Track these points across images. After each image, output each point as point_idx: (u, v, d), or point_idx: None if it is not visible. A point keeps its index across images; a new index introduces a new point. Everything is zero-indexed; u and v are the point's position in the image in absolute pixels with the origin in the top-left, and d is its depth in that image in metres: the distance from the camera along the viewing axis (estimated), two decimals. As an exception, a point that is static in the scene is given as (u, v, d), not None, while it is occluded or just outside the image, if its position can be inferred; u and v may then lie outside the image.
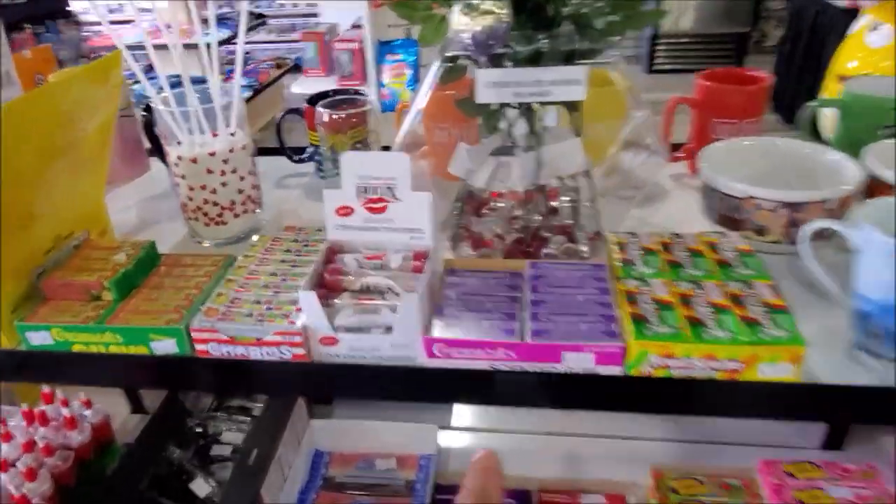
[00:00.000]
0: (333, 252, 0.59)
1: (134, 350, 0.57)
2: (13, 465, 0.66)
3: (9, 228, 0.57)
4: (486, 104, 0.63)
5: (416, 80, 2.47)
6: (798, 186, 0.64)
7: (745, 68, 0.87)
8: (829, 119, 0.84)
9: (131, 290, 0.60)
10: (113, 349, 0.57)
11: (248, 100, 3.33)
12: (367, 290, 0.55)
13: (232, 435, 0.79)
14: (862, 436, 0.88)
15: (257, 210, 0.77)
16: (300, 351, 0.54)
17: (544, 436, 0.95)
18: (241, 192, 0.74)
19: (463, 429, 0.97)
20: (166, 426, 0.78)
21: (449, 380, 0.53)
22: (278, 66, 3.82)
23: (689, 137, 0.87)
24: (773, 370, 0.49)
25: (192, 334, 0.55)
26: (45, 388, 0.77)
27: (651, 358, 0.50)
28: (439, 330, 0.53)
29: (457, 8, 0.52)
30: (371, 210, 0.58)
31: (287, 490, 0.75)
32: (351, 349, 0.54)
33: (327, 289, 0.56)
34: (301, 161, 0.93)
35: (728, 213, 0.67)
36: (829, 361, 0.52)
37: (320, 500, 0.78)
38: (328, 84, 2.71)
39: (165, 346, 0.56)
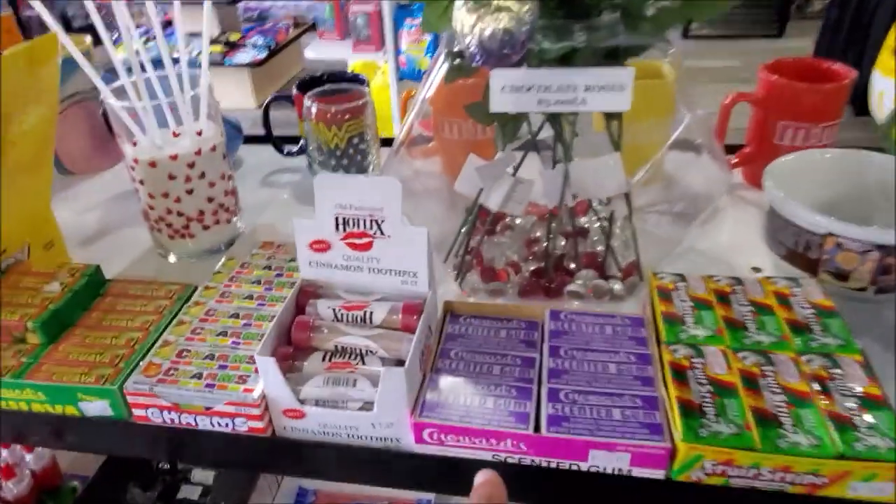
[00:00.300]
0: (306, 296, 0.47)
1: (61, 410, 0.47)
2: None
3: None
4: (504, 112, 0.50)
5: (435, 47, 2.31)
6: (890, 220, 0.51)
7: (821, 59, 0.72)
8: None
9: (64, 331, 0.50)
10: (36, 407, 0.47)
11: (264, 61, 3.20)
12: (342, 352, 0.44)
13: (203, 474, 0.70)
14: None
15: (233, 219, 0.66)
16: (258, 424, 0.43)
17: None
18: (210, 200, 0.63)
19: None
20: (128, 462, 0.69)
21: (443, 471, 0.42)
22: (297, 25, 3.66)
23: (748, 139, 0.73)
24: (868, 489, 0.37)
25: (128, 398, 0.44)
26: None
27: (705, 464, 0.38)
28: (431, 411, 0.41)
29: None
30: (352, 247, 0.46)
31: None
32: (321, 425, 0.43)
33: (295, 347, 0.44)
34: (291, 154, 0.81)
35: (800, 249, 0.54)
36: None
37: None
38: (343, 49, 2.56)
39: (97, 408, 0.46)
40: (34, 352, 0.48)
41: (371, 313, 0.45)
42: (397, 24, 2.35)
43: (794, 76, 0.68)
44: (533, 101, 0.47)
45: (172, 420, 0.45)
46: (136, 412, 0.45)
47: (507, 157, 0.52)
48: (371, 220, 0.45)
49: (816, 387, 0.41)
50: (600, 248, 0.59)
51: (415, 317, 0.44)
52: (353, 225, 0.45)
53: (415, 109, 0.56)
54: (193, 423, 0.44)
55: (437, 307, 0.49)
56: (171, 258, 0.65)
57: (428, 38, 2.36)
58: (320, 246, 0.46)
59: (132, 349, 0.47)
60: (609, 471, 0.40)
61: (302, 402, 0.42)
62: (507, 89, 0.47)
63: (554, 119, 0.52)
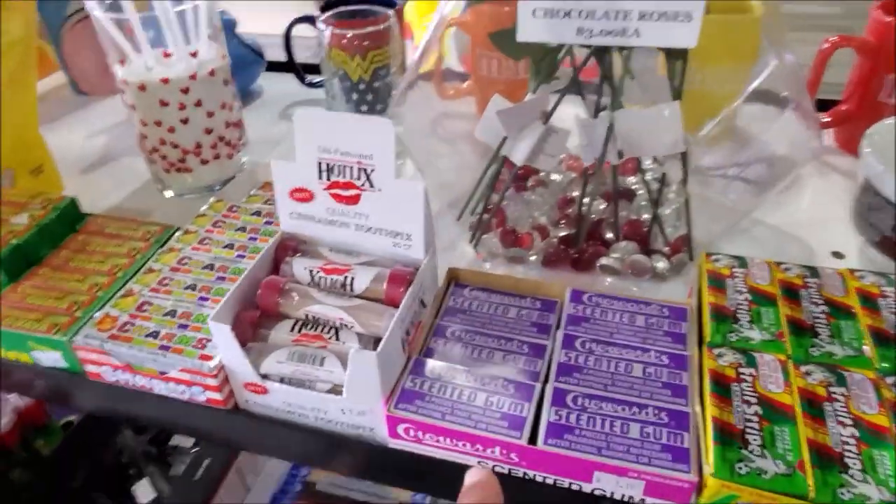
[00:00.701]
0: (285, 251, 0.40)
1: (14, 356, 0.42)
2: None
3: None
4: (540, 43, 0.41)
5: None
6: None
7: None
8: None
9: (28, 268, 0.45)
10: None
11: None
12: (314, 324, 0.37)
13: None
14: None
15: (237, 154, 0.60)
16: (216, 396, 0.38)
17: None
18: (209, 131, 0.56)
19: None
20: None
21: (421, 470, 0.36)
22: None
23: (846, 95, 0.61)
24: (956, 564, 0.29)
25: (78, 353, 0.40)
26: None
27: (740, 505, 0.30)
28: (409, 404, 0.35)
29: None
30: (338, 199, 0.38)
31: (256, 493, 0.62)
32: (286, 404, 0.37)
33: (262, 311, 0.38)
34: (314, 85, 0.73)
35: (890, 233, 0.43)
36: None
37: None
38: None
39: (51, 359, 0.41)
40: (-7, 288, 0.43)
41: (352, 280, 0.38)
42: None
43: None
44: (571, 31, 0.37)
45: (126, 381, 0.40)
46: (89, 368, 0.40)
47: (537, 99, 0.43)
48: (359, 169, 0.37)
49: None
50: (646, 216, 0.50)
51: (402, 288, 0.37)
52: (339, 173, 0.38)
53: (431, 30, 0.47)
54: (149, 387, 0.39)
55: (435, 277, 0.41)
56: (168, 193, 0.59)
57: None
58: (302, 195, 0.39)
59: (93, 297, 0.42)
60: (618, 497, 0.33)
61: (264, 376, 0.36)
62: (538, 14, 0.37)
63: (600, 55, 0.42)
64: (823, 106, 0.61)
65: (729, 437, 0.31)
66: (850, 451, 0.30)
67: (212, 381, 0.37)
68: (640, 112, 0.43)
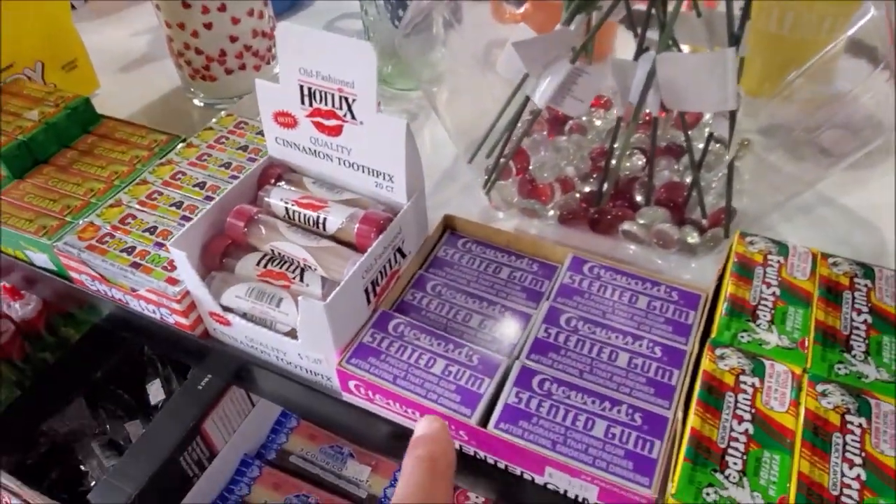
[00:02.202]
0: (270, 177, 0.38)
1: (12, 252, 0.43)
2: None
3: None
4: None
5: None
6: None
7: None
8: None
9: (35, 165, 0.45)
10: (-5, 245, 0.43)
11: None
12: (280, 260, 0.35)
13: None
14: None
15: (267, 66, 0.57)
16: (183, 321, 0.37)
17: None
18: (234, 39, 0.53)
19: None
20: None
21: (374, 428, 0.34)
22: None
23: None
24: None
25: (61, 258, 0.39)
26: None
27: (704, 536, 0.26)
28: (362, 360, 0.32)
29: None
30: (319, 128, 0.35)
31: (258, 414, 0.63)
32: (249, 339, 0.36)
33: (232, 240, 0.36)
34: (364, -2, 0.68)
35: None
36: None
37: (297, 432, 0.66)
38: None
39: (41, 260, 0.41)
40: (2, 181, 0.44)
41: (325, 219, 0.35)
42: None
43: None
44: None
45: (104, 293, 0.39)
46: (73, 274, 0.40)
47: (563, 31, 0.37)
48: (341, 98, 0.33)
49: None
50: (689, 180, 0.44)
51: (373, 233, 0.33)
52: (321, 100, 0.34)
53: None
54: (124, 301, 0.39)
55: (423, 226, 0.38)
56: (196, 101, 0.58)
57: None
58: (286, 120, 0.36)
59: (86, 202, 0.42)
60: (570, 496, 0.29)
61: (227, 310, 0.35)
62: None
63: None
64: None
65: (705, 456, 0.27)
66: (849, 496, 0.25)
67: (177, 306, 0.36)
68: (688, 56, 0.36)
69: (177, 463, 0.54)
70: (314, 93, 0.34)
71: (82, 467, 0.61)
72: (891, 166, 0.48)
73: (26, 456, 0.62)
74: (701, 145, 0.45)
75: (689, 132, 0.47)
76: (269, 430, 0.65)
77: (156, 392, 0.62)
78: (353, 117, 0.33)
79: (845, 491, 0.26)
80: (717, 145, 0.46)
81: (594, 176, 0.46)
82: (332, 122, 0.34)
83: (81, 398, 0.64)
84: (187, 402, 0.56)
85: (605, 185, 0.42)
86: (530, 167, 0.46)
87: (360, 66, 0.32)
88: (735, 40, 0.35)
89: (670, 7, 0.36)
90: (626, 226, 0.42)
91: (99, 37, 0.66)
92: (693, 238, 0.41)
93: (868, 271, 0.34)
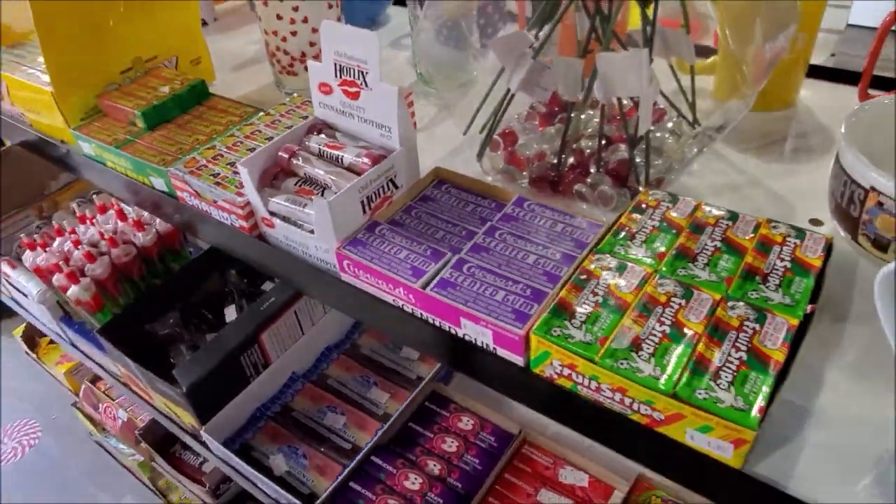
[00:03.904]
0: (313, 130, 0.54)
1: (140, 179, 0.61)
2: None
3: (77, 48, 0.63)
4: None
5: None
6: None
7: None
8: None
9: (162, 123, 0.64)
10: (130, 174, 0.62)
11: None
12: (310, 181, 0.50)
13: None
14: None
15: (336, 67, 0.74)
16: (244, 223, 0.53)
17: None
18: (312, 44, 0.71)
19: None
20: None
21: (357, 300, 0.48)
22: None
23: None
24: (706, 443, 0.34)
25: (171, 180, 0.57)
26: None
27: (554, 362, 0.38)
28: (353, 248, 0.47)
29: None
30: (346, 94, 0.51)
31: (307, 342, 0.78)
32: (286, 238, 0.51)
33: (280, 167, 0.52)
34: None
35: (844, 204, 0.45)
36: (850, 472, 0.34)
37: (337, 363, 0.81)
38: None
39: (158, 183, 0.59)
40: (137, 133, 0.63)
41: (342, 156, 0.50)
42: None
43: None
44: (537, -25, 0.45)
45: (196, 206, 0.56)
46: (178, 192, 0.58)
47: (519, 34, 0.51)
48: (359, 71, 0.49)
49: (713, 333, 0.37)
50: (639, 160, 0.55)
51: (371, 163, 0.48)
52: (347, 73, 0.49)
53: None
54: (208, 212, 0.56)
55: (413, 167, 0.52)
56: (282, 91, 0.76)
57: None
58: (325, 89, 0.52)
59: (192, 146, 0.60)
60: (478, 343, 0.42)
61: (272, 214, 0.50)
62: (514, -41, 0.45)
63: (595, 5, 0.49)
64: (885, 85, 0.60)
65: (561, 312, 0.39)
66: (651, 341, 0.37)
67: (240, 212, 0.52)
68: (616, 55, 0.49)
69: (237, 360, 0.70)
70: (343, 68, 0.49)
71: (171, 360, 0.80)
72: (822, 165, 0.57)
73: (135, 350, 0.81)
74: (659, 134, 0.57)
75: (654, 126, 0.59)
76: (316, 357, 0.81)
77: (231, 314, 0.79)
78: (366, 85, 0.49)
79: (650, 338, 0.37)
80: (670, 138, 0.58)
81: (572, 150, 0.58)
82: (354, 90, 0.50)
83: (177, 313, 0.82)
84: (250, 318, 0.73)
85: (563, 156, 0.55)
86: (516, 146, 0.59)
87: (370, 49, 0.47)
88: (648, 42, 0.48)
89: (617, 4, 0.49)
90: (577, 186, 0.54)
91: (221, 45, 0.86)
92: (625, 197, 0.52)
93: (734, 215, 0.45)
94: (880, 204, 0.41)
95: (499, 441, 0.70)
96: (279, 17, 0.69)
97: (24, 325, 1.30)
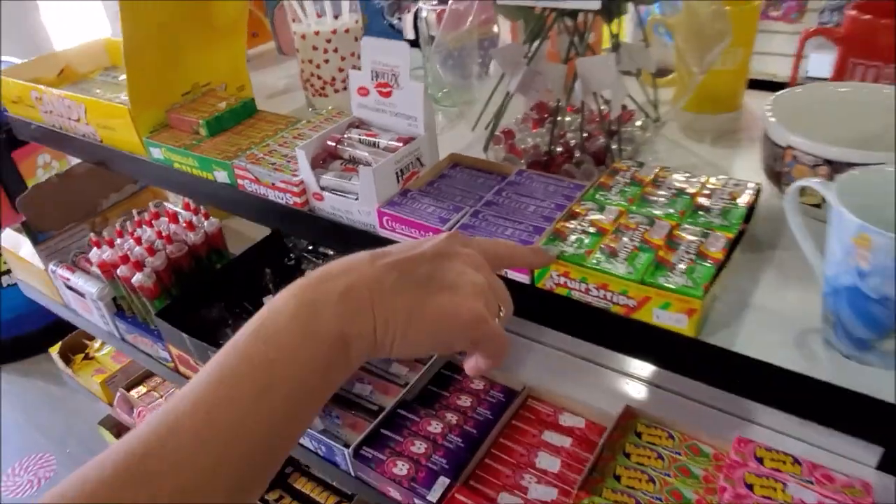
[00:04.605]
0: (351, 126, 0.67)
1: (204, 174, 0.74)
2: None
3: (150, 75, 0.77)
4: (531, 8, 0.63)
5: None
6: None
7: (922, -1, 0.68)
8: None
9: (221, 131, 0.77)
10: (195, 172, 0.75)
11: None
12: (353, 161, 0.63)
13: (313, 274, 0.96)
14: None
15: (359, 90, 0.88)
16: (298, 200, 0.65)
17: (540, 345, 0.96)
18: (341, 70, 0.85)
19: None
20: (267, 252, 0.99)
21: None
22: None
23: (832, 78, 0.73)
24: (669, 318, 0.46)
25: (235, 170, 0.70)
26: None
27: (552, 274, 0.50)
28: (391, 206, 0.59)
29: None
30: (381, 93, 0.64)
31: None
32: (332, 208, 0.63)
33: (329, 154, 0.65)
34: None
35: (772, 163, 0.58)
36: (778, 340, 0.46)
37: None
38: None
39: (220, 176, 0.72)
40: (200, 139, 0.76)
41: (378, 141, 0.63)
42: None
43: (884, 15, 0.66)
44: (528, -2, 0.59)
45: (255, 190, 0.69)
46: (239, 181, 0.70)
47: (514, 45, 0.65)
48: (392, 74, 0.62)
49: (670, 244, 0.49)
50: (615, 146, 0.69)
51: (402, 144, 0.61)
52: (382, 77, 0.63)
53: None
54: (265, 194, 0.68)
55: (434, 148, 0.65)
56: (311, 110, 0.90)
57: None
58: (363, 91, 0.65)
59: (248, 147, 0.72)
60: (493, 271, 0.54)
61: (323, 188, 0.63)
62: (510, -14, 0.59)
63: (563, 17, 0.63)
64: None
65: (556, 237, 0.51)
66: (624, 250, 0.49)
67: (295, 189, 0.64)
68: (590, 59, 0.63)
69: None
70: (378, 73, 0.63)
71: (220, 342, 0.90)
72: (758, 149, 0.71)
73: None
74: (630, 129, 0.71)
75: (625, 123, 0.73)
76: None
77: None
78: (398, 85, 0.62)
79: (623, 249, 0.49)
80: (637, 131, 0.71)
81: (561, 142, 0.72)
82: (387, 90, 0.63)
83: (222, 303, 0.94)
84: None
85: (552, 146, 0.68)
86: (514, 139, 0.73)
87: (402, 55, 0.61)
88: (614, 47, 0.62)
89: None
90: (566, 166, 0.67)
91: (254, 79, 1.01)
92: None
93: (689, 175, 0.57)
94: (795, 157, 0.55)
95: (506, 396, 0.80)
96: (314, 48, 0.83)
97: (60, 343, 1.40)
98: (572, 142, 0.70)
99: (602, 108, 0.67)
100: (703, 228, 0.50)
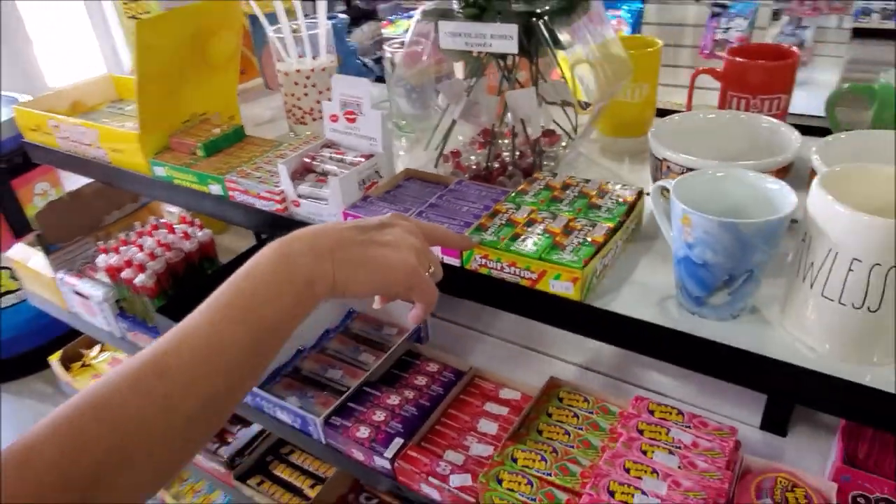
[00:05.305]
0: (324, 146, 0.82)
1: (200, 188, 0.88)
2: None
3: (156, 106, 0.91)
4: (469, 52, 0.79)
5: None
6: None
7: (781, 45, 0.84)
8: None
9: (216, 152, 0.91)
10: (194, 186, 0.89)
11: None
12: (324, 173, 0.78)
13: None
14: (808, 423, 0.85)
15: (334, 119, 1.03)
16: (280, 206, 0.79)
17: (486, 335, 1.10)
18: (318, 102, 1.00)
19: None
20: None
21: (357, 246, 0.74)
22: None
23: (718, 106, 0.89)
24: (560, 286, 0.61)
25: (227, 183, 0.84)
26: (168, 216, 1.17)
27: (476, 257, 0.65)
28: (353, 209, 0.73)
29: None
30: (348, 120, 0.79)
31: (311, 324, 1.02)
32: (308, 212, 0.78)
33: (305, 169, 0.80)
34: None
35: (655, 173, 0.73)
36: (646, 303, 0.60)
37: (334, 340, 1.05)
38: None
39: (215, 189, 0.86)
40: (197, 159, 0.90)
41: (345, 158, 0.78)
42: (600, 15, 2.53)
43: (753, 57, 0.83)
44: (463, 43, 0.75)
45: (244, 200, 0.83)
46: (231, 193, 0.84)
47: (456, 81, 0.80)
48: (356, 104, 0.77)
49: (565, 231, 0.64)
50: (545, 164, 0.84)
51: (364, 159, 0.76)
52: (348, 106, 0.78)
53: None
54: (252, 203, 0.82)
55: (391, 164, 0.80)
56: (293, 135, 1.05)
57: (626, 29, 2.50)
58: (334, 118, 0.81)
59: (239, 164, 0.87)
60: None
61: (300, 196, 0.77)
62: (448, 34, 0.75)
63: (495, 58, 0.79)
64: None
65: (480, 228, 0.66)
66: (532, 238, 0.63)
67: (277, 198, 0.79)
68: (518, 92, 0.78)
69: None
70: (346, 103, 0.78)
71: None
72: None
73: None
74: (556, 148, 0.86)
75: (546, 145, 0.88)
76: (318, 336, 1.05)
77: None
78: (361, 112, 0.77)
79: (527, 234, 0.63)
80: (561, 151, 0.87)
81: (496, 159, 0.87)
82: (352, 116, 0.78)
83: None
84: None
85: (490, 162, 0.83)
86: (460, 158, 0.88)
87: (364, 89, 0.76)
88: (534, 83, 0.77)
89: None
90: (500, 179, 0.82)
91: (249, 109, 1.16)
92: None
93: (586, 181, 0.73)
94: (668, 167, 0.70)
95: (456, 376, 0.94)
96: (296, 83, 0.98)
97: (60, 353, 1.52)
98: (507, 159, 0.86)
99: (529, 131, 0.82)
100: (592, 220, 0.65)
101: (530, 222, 0.66)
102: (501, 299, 0.66)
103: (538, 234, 0.64)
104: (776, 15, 1.65)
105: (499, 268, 0.64)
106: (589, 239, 0.62)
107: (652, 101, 0.94)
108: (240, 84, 1.30)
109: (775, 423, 0.82)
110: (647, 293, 0.62)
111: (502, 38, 0.72)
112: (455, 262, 0.67)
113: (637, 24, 2.57)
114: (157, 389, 0.40)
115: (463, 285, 0.68)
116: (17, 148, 1.72)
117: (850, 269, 0.48)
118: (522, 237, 0.64)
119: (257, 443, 1.23)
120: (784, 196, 0.54)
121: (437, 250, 0.67)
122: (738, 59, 0.83)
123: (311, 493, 1.17)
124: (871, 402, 0.50)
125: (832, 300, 0.50)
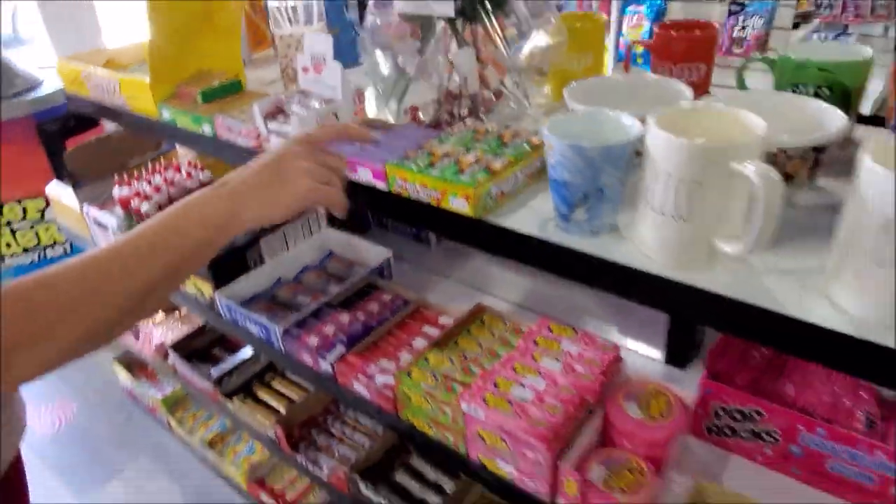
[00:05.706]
0: (298, 93, 0.96)
1: (195, 128, 1.03)
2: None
3: (166, 60, 1.07)
4: (428, 16, 0.91)
5: (650, 34, 2.50)
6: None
7: (706, 21, 0.94)
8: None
9: (214, 100, 1.07)
10: (191, 127, 1.04)
11: None
12: (292, 114, 0.92)
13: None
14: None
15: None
16: (256, 142, 0.94)
17: (437, 276, 1.21)
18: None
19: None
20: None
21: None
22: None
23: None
24: (458, 203, 0.73)
25: (215, 123, 0.99)
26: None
27: (397, 180, 0.77)
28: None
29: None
30: (315, 70, 0.93)
31: (292, 259, 1.17)
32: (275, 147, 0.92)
33: (279, 111, 0.94)
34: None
35: (569, 123, 0.84)
36: (532, 222, 0.72)
37: (310, 274, 1.19)
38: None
39: (206, 129, 1.01)
40: (197, 105, 1.06)
41: (311, 103, 0.92)
42: (622, 9, 2.61)
43: (676, 31, 0.93)
44: (411, 6, 0.88)
45: (229, 139, 0.98)
46: (218, 131, 0.99)
47: (413, 43, 0.93)
48: (322, 57, 0.91)
49: (472, 162, 0.76)
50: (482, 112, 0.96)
51: (324, 104, 0.90)
52: (316, 59, 0.92)
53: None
54: (234, 140, 0.97)
55: (349, 110, 0.93)
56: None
57: (646, 24, 2.57)
58: (305, 69, 0.94)
59: (229, 110, 1.02)
60: (362, 181, 0.81)
61: (269, 132, 0.91)
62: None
63: (451, 23, 0.91)
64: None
65: (404, 159, 0.78)
66: (444, 165, 0.75)
67: (253, 136, 0.93)
68: (461, 51, 0.90)
69: (243, 252, 1.09)
70: (314, 56, 0.92)
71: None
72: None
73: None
74: (499, 106, 0.98)
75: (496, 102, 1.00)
76: (297, 272, 1.19)
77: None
78: (325, 64, 0.91)
79: (444, 165, 0.76)
80: (510, 108, 0.99)
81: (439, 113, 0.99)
82: (319, 67, 0.92)
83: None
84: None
85: (440, 114, 0.96)
86: (418, 112, 1.00)
87: (328, 46, 0.89)
88: (465, 43, 0.89)
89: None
90: (447, 127, 0.94)
91: (260, 73, 1.31)
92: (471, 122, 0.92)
93: (515, 133, 0.84)
94: (575, 117, 0.81)
95: (404, 305, 1.07)
96: (289, 46, 1.13)
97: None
98: (455, 112, 0.98)
99: (468, 87, 0.94)
100: (496, 155, 0.77)
101: (447, 155, 0.78)
102: (415, 216, 0.78)
103: (452, 163, 0.76)
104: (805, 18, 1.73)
105: (414, 190, 0.76)
106: (487, 167, 0.74)
107: (599, 69, 1.04)
108: (254, 53, 1.46)
109: (675, 358, 0.92)
110: (535, 216, 0.73)
111: (441, 0, 0.84)
112: (383, 185, 0.79)
113: (656, 20, 2.64)
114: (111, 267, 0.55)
115: (388, 206, 0.80)
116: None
117: (666, 184, 0.59)
118: (436, 165, 0.76)
119: (244, 367, 1.39)
120: (634, 129, 0.65)
121: (367, 174, 0.80)
122: (663, 31, 0.93)
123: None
124: (688, 298, 0.60)
125: (659, 213, 0.61)
